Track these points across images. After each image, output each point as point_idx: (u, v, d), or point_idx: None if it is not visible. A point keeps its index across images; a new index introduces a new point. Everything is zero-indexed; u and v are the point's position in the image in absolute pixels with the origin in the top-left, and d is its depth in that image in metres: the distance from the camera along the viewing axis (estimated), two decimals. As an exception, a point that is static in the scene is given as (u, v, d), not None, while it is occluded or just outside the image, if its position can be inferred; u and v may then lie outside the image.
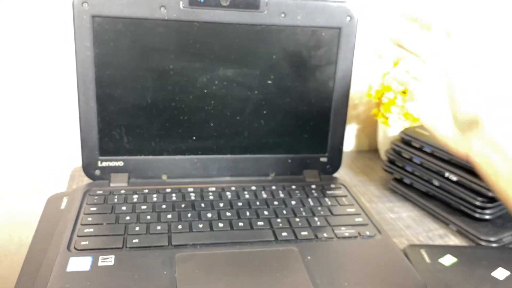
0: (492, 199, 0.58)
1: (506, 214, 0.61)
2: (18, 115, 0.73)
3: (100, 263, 0.40)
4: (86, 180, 0.56)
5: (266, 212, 0.50)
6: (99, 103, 0.52)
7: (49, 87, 0.72)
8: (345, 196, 0.56)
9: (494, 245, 0.58)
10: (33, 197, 0.78)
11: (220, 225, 0.47)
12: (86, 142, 0.53)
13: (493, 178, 0.38)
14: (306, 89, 0.56)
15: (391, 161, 0.73)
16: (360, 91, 0.85)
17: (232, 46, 0.52)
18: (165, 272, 0.40)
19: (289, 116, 0.57)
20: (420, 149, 0.67)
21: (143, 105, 0.53)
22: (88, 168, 0.54)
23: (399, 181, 0.73)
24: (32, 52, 0.70)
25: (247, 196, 0.54)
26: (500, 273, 0.50)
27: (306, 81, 0.56)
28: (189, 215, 0.49)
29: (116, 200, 0.51)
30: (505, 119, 0.37)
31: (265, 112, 0.56)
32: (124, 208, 0.49)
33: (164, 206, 0.50)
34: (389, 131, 0.79)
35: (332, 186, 0.58)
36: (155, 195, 0.52)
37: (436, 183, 0.65)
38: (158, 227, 0.46)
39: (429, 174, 0.66)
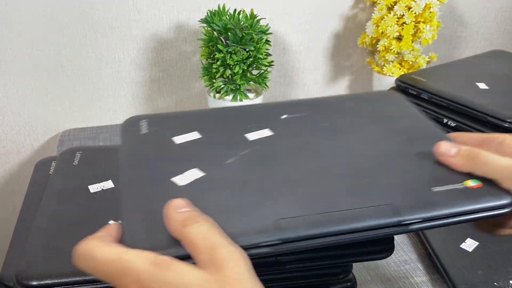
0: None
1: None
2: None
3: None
4: (76, 144, 0.54)
5: None
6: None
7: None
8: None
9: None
10: (25, 165, 0.77)
11: None
12: None
13: None
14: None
15: (387, 111, 0.71)
16: (353, 39, 0.83)
17: None
18: None
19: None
20: (417, 96, 0.65)
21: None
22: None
23: (396, 130, 0.71)
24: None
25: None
26: None
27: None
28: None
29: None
30: None
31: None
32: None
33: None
34: (384, 80, 0.77)
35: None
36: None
37: (433, 130, 0.64)
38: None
39: (426, 122, 0.64)
